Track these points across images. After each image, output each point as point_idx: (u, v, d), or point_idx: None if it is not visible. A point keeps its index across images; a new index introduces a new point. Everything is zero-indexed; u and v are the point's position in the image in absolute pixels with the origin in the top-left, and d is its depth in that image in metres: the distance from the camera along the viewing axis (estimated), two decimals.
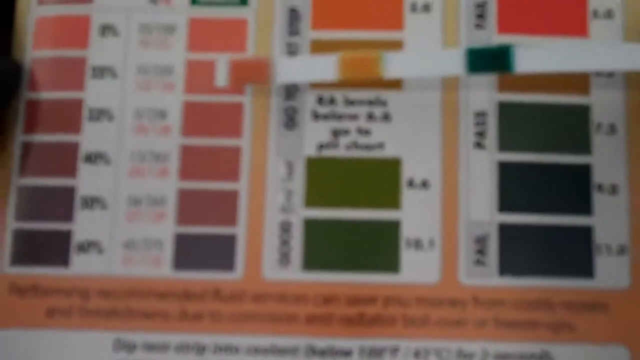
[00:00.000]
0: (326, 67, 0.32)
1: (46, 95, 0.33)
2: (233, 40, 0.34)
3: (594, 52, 0.31)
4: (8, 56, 0.34)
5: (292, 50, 0.34)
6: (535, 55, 0.31)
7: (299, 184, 0.33)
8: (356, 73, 0.32)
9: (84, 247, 0.33)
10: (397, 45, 0.33)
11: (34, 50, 0.34)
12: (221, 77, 0.33)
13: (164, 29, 0.34)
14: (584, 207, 0.32)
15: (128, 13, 0.34)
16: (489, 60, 0.31)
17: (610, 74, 0.33)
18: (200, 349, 0.32)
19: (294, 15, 0.34)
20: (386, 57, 0.32)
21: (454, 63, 0.31)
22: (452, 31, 0.34)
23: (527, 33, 0.33)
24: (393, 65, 0.32)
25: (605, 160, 0.32)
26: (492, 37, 0.33)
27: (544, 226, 0.32)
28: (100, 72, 0.34)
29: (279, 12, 0.34)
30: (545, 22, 0.33)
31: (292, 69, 0.33)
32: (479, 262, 0.32)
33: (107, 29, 0.34)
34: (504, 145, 0.33)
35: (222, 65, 0.33)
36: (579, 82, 0.33)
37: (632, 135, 0.33)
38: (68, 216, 0.33)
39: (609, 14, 0.33)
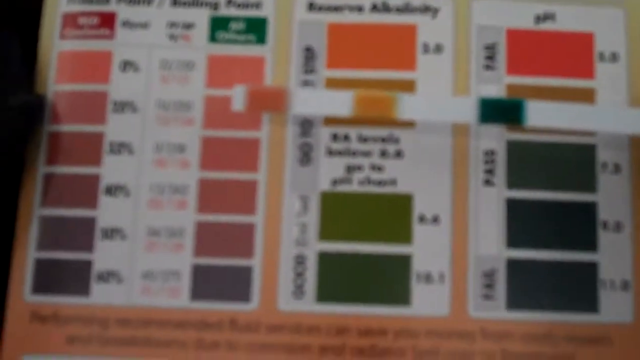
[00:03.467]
0: (342, 103, 0.35)
1: (68, 128, 0.36)
2: (251, 76, 0.36)
3: (601, 115, 0.34)
4: (31, 90, 0.36)
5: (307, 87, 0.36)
6: (546, 110, 0.34)
7: (313, 218, 0.36)
8: (371, 111, 0.35)
9: (103, 277, 0.35)
10: (409, 85, 0.36)
11: (56, 83, 0.37)
12: (238, 103, 0.36)
13: (183, 65, 0.37)
14: (590, 243, 0.35)
15: (149, 49, 0.37)
16: (501, 112, 0.34)
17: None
18: None
19: (309, 54, 0.37)
20: (401, 98, 0.35)
21: (467, 111, 0.34)
22: (463, 72, 0.36)
23: (535, 75, 0.36)
24: (407, 108, 0.35)
25: (610, 198, 0.35)
26: (502, 79, 0.36)
27: (551, 262, 0.35)
28: (121, 106, 0.36)
29: (295, 51, 0.37)
30: (553, 64, 0.36)
31: (308, 101, 0.35)
32: (487, 296, 0.35)
33: (128, 65, 0.37)
34: (512, 183, 0.36)
35: (239, 92, 0.36)
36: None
37: (636, 175, 0.36)
38: (88, 246, 0.35)
39: (614, 57, 0.36)
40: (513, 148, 0.36)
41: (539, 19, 0.37)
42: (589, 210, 0.35)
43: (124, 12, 0.37)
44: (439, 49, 0.36)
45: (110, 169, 0.36)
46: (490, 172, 0.36)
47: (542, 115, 0.34)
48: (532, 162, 0.36)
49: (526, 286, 0.35)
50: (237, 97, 0.36)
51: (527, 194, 0.35)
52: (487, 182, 0.36)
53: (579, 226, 0.35)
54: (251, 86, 0.36)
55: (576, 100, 0.36)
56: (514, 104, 0.34)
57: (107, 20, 0.37)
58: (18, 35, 0.36)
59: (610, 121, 0.34)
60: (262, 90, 0.36)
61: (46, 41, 0.37)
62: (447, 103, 0.35)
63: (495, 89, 0.36)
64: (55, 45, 0.37)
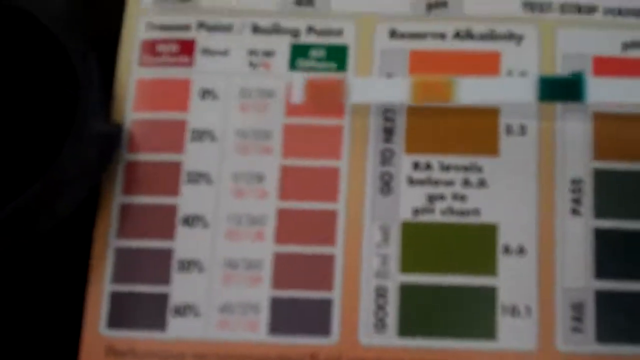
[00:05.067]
0: (399, 90, 0.35)
1: (145, 157, 0.36)
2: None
3: None
4: (109, 118, 0.37)
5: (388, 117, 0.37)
6: (608, 86, 0.34)
7: (394, 249, 0.36)
8: (428, 97, 0.35)
9: (180, 311, 0.35)
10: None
11: (134, 111, 0.37)
12: (297, 95, 0.36)
13: (262, 93, 0.37)
14: None
15: (228, 77, 0.37)
16: (561, 89, 0.34)
17: None
18: None
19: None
20: (458, 83, 0.35)
21: (526, 90, 0.34)
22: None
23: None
24: (465, 91, 0.35)
25: None
26: (587, 109, 0.36)
27: None
28: (199, 135, 0.36)
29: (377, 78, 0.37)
30: None
31: (366, 90, 0.36)
32: (575, 329, 0.35)
33: (207, 93, 0.37)
34: (600, 212, 0.35)
35: (298, 83, 0.36)
36: None
37: None
38: (165, 279, 0.35)
39: None
40: (600, 176, 0.36)
41: (627, 46, 0.37)
42: None
43: (203, 39, 0.38)
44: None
45: (188, 199, 0.36)
46: (577, 201, 0.36)
47: (603, 92, 0.34)
48: (619, 191, 0.36)
49: (616, 318, 0.35)
50: (296, 88, 0.36)
51: (615, 224, 0.35)
52: (574, 212, 0.35)
53: None
54: (310, 79, 0.36)
55: None
56: (574, 80, 0.34)
57: (187, 48, 0.37)
58: (98, 62, 0.36)
59: None
60: (320, 81, 0.36)
61: (124, 68, 0.37)
62: (505, 83, 0.35)
63: (582, 118, 0.36)
64: (134, 73, 0.37)
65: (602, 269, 0.35)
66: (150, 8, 0.38)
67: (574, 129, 0.36)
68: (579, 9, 0.37)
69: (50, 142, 0.36)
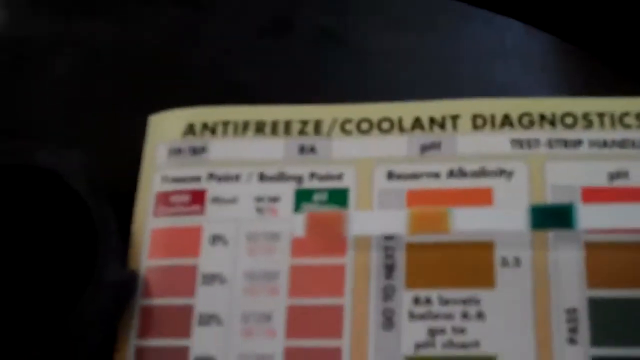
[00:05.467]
0: (397, 221, 0.37)
1: (159, 301, 0.39)
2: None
3: None
4: (125, 265, 0.39)
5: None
6: (597, 212, 0.35)
7: None
8: (426, 227, 0.37)
9: None
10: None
11: (149, 259, 0.39)
12: (299, 229, 0.39)
13: (269, 237, 0.39)
14: None
15: (237, 223, 0.40)
16: (552, 218, 0.36)
17: None
18: None
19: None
20: (454, 212, 0.36)
21: (519, 219, 0.36)
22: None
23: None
24: (460, 220, 0.36)
25: None
26: (580, 236, 0.37)
27: None
28: (210, 279, 0.39)
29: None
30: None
31: (366, 221, 0.38)
32: None
33: (217, 239, 0.39)
34: (596, 341, 0.36)
35: (299, 218, 0.38)
36: None
37: None
38: None
39: None
40: (595, 305, 0.37)
41: (613, 176, 0.38)
42: None
43: (213, 189, 0.40)
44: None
45: (200, 341, 0.38)
46: (573, 330, 0.36)
47: (593, 218, 0.35)
48: (614, 318, 0.36)
49: None
50: (298, 223, 0.38)
51: (612, 352, 0.36)
52: (571, 341, 0.36)
53: None
54: (310, 212, 0.38)
55: None
56: (564, 208, 0.35)
57: (198, 198, 0.40)
58: (114, 212, 0.39)
59: None
60: (321, 214, 0.38)
61: (140, 219, 0.40)
62: (499, 213, 0.36)
63: (574, 247, 0.37)
64: (149, 223, 0.40)
65: None
66: (164, 163, 0.41)
67: (566, 258, 0.37)
68: (566, 143, 0.39)
69: (71, 290, 0.38)
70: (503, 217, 0.36)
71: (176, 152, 0.41)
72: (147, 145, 0.42)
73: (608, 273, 0.37)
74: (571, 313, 0.37)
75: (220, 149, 0.41)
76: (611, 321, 0.36)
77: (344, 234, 0.38)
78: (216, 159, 0.41)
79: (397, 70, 0.43)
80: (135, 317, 0.39)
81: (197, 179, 0.41)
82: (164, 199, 0.40)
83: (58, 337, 0.36)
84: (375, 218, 0.38)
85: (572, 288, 0.37)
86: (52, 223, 0.40)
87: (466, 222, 0.37)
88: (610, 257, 0.37)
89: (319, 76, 0.44)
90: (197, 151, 0.41)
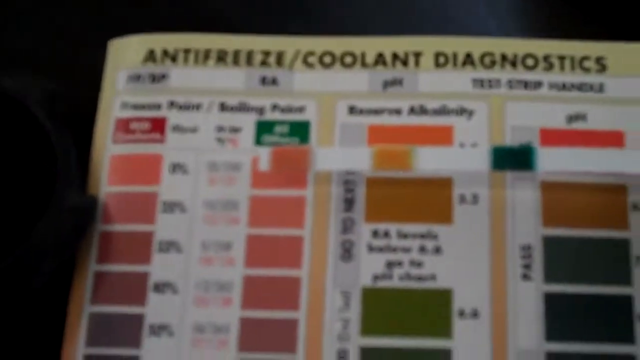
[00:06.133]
0: (362, 158, 0.38)
1: (118, 227, 0.39)
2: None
3: (613, 157, 0.36)
4: (84, 191, 0.39)
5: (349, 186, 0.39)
6: (557, 155, 0.36)
7: (355, 314, 0.38)
8: (389, 165, 0.37)
9: None
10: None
11: (108, 185, 0.39)
12: (264, 163, 0.39)
13: (229, 167, 0.40)
14: (627, 336, 0.37)
15: (197, 152, 0.40)
16: (512, 159, 0.37)
17: None
18: None
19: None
20: (417, 151, 0.37)
21: (480, 160, 0.37)
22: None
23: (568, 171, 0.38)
24: (423, 159, 0.37)
25: None
26: (536, 177, 0.39)
27: (590, 354, 0.37)
28: (170, 207, 0.39)
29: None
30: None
31: (330, 158, 0.38)
32: None
33: (177, 167, 0.40)
34: (549, 277, 0.38)
35: (264, 152, 0.38)
36: (619, 217, 0.38)
37: None
38: (136, 343, 0.38)
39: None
40: (549, 243, 0.38)
41: (571, 118, 0.39)
42: (626, 303, 0.37)
43: (174, 117, 0.40)
44: (474, 147, 0.39)
45: (159, 267, 0.38)
46: (527, 266, 0.38)
47: (552, 161, 0.36)
48: (567, 256, 0.38)
49: None
50: (263, 158, 0.39)
51: (564, 288, 0.37)
52: (525, 277, 0.38)
53: (616, 319, 0.37)
54: (275, 148, 0.39)
55: (609, 193, 0.38)
56: (525, 150, 0.36)
57: (158, 125, 0.40)
58: (74, 139, 0.39)
59: (620, 162, 0.36)
60: (286, 150, 0.38)
61: (99, 145, 0.40)
62: (461, 153, 0.37)
63: (531, 186, 0.38)
64: (108, 149, 0.40)
65: (552, 332, 0.37)
66: (124, 89, 0.41)
67: (523, 197, 0.38)
68: (526, 85, 0.40)
69: (29, 215, 0.38)
70: (465, 157, 0.37)
71: (136, 78, 0.41)
72: (106, 71, 0.42)
73: (563, 212, 0.38)
74: (526, 250, 0.38)
75: (181, 77, 0.41)
76: (564, 259, 0.38)
77: (308, 169, 0.38)
78: (177, 87, 0.41)
79: (361, 5, 0.43)
80: (95, 243, 0.39)
81: (157, 106, 0.41)
82: (123, 126, 0.40)
83: (15, 262, 0.35)
84: (339, 155, 0.38)
85: (527, 226, 0.38)
86: (12, 148, 0.39)
87: (429, 161, 0.37)
88: (565, 198, 0.38)
89: (283, 8, 0.44)
90: (157, 78, 0.41)
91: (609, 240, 0.38)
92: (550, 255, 0.38)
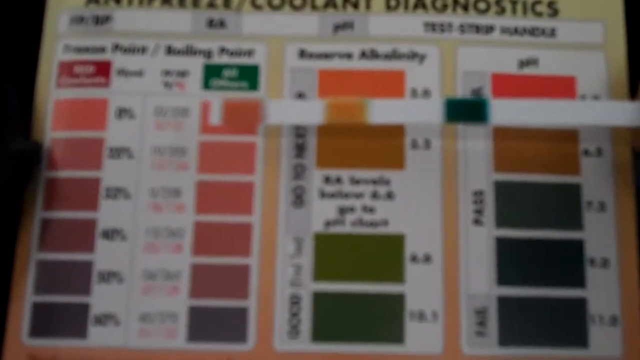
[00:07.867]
0: (314, 111, 0.37)
1: (64, 174, 0.38)
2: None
3: (565, 109, 0.36)
4: (28, 137, 0.39)
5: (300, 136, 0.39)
6: (510, 108, 0.37)
7: (307, 259, 0.38)
8: (342, 117, 0.37)
9: (101, 320, 0.37)
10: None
11: (52, 131, 0.39)
12: (215, 116, 0.38)
13: (177, 112, 0.39)
14: (578, 280, 0.38)
15: (144, 97, 0.39)
16: (466, 111, 0.37)
17: (599, 153, 0.39)
18: None
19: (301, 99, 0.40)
20: (370, 103, 0.37)
21: (434, 112, 0.37)
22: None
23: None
24: (376, 112, 0.37)
25: (596, 236, 0.38)
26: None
27: (541, 298, 0.38)
28: (117, 152, 0.39)
29: (288, 96, 0.40)
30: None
31: (282, 111, 0.38)
32: (479, 333, 0.37)
33: (123, 112, 0.39)
34: (500, 222, 0.38)
35: (216, 105, 0.38)
36: (570, 163, 0.39)
37: (621, 213, 0.38)
38: (86, 290, 0.38)
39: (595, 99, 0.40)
40: (500, 188, 0.39)
41: (523, 63, 0.40)
42: (577, 247, 0.38)
43: (119, 60, 0.40)
44: (426, 93, 0.39)
45: (107, 214, 0.38)
46: (479, 212, 0.38)
47: (506, 113, 0.37)
48: (519, 201, 0.38)
49: (517, 323, 0.37)
50: (214, 110, 0.38)
51: (515, 233, 0.38)
52: (477, 222, 0.38)
53: (567, 263, 0.38)
54: (226, 101, 0.38)
55: (561, 139, 0.39)
56: (478, 102, 0.37)
57: (103, 69, 0.40)
58: (15, 83, 0.38)
59: (572, 113, 0.36)
60: (237, 103, 0.38)
61: (42, 89, 0.40)
62: (414, 105, 0.37)
63: (483, 132, 0.39)
64: (52, 94, 0.40)
65: (504, 276, 0.38)
66: (67, 31, 0.40)
67: (475, 143, 0.39)
68: (477, 29, 0.40)
69: None
70: (419, 109, 0.37)
71: (79, 20, 0.40)
72: (48, 14, 0.41)
73: (514, 158, 0.39)
74: (478, 195, 0.39)
75: (126, 19, 0.41)
76: (515, 204, 0.38)
77: (260, 122, 0.38)
78: (121, 30, 0.40)
79: None
80: (40, 189, 0.38)
81: (101, 49, 0.40)
82: (67, 69, 0.40)
83: None
84: (292, 107, 0.38)
85: (479, 171, 0.39)
86: None
87: (382, 114, 0.38)
88: (517, 144, 0.39)
89: None
90: (101, 21, 0.40)
91: (560, 185, 0.39)
92: (501, 200, 0.38)
